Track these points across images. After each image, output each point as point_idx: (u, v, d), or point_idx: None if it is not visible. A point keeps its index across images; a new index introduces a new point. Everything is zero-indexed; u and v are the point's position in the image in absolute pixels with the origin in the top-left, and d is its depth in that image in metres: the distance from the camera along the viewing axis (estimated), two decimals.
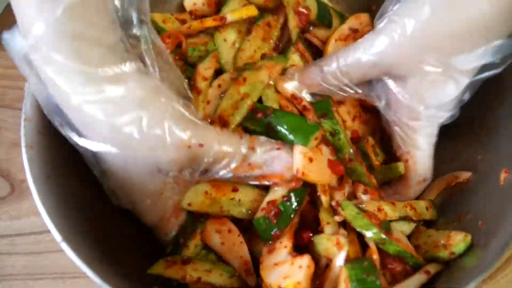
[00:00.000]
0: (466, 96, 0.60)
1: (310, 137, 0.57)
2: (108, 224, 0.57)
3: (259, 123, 0.61)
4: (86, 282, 0.68)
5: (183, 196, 0.59)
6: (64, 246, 0.48)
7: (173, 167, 0.53)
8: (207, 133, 0.54)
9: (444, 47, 0.56)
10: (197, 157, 0.53)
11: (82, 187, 0.56)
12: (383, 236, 0.54)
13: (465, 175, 0.64)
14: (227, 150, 0.55)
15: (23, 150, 0.52)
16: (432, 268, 0.56)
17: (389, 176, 0.66)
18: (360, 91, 0.64)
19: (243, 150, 0.55)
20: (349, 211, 0.57)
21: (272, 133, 0.59)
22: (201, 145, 0.53)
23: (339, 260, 0.54)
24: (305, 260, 0.52)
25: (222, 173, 0.56)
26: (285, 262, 0.54)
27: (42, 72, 0.48)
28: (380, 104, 0.65)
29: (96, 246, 0.52)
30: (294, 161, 0.56)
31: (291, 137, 0.58)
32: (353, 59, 0.61)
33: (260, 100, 0.64)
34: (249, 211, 0.59)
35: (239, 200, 0.59)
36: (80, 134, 0.51)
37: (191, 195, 0.58)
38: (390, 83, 0.62)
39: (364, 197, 0.63)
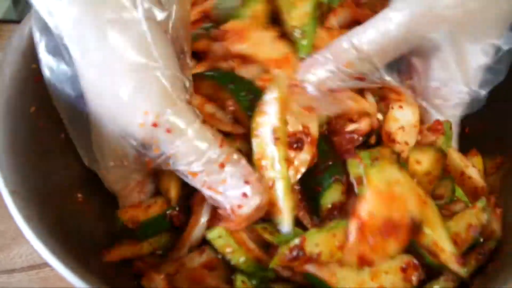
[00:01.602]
0: (500, 74, 0.59)
1: None
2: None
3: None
4: None
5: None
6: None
7: (135, 136, 0.50)
8: (182, 119, 0.49)
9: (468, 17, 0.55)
10: (161, 141, 0.49)
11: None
12: None
13: None
14: (197, 147, 0.49)
15: None
16: None
17: None
18: (383, 75, 0.58)
19: (213, 156, 0.49)
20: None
21: None
22: (168, 130, 0.48)
23: None
24: None
25: (180, 168, 0.51)
26: None
27: None
28: (405, 89, 0.61)
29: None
30: None
31: None
32: (371, 36, 0.55)
33: None
34: None
35: None
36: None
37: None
38: (415, 59, 0.60)
39: None
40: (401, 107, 0.60)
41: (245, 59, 0.54)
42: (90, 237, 0.55)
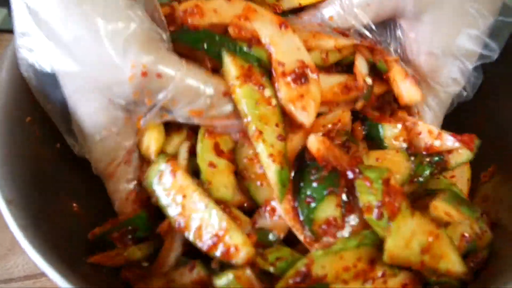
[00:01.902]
0: (493, 51, 0.58)
1: None
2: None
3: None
4: None
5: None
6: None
7: (125, 94, 0.50)
8: (168, 63, 0.50)
9: None
10: (153, 90, 0.50)
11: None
12: None
13: None
14: (191, 85, 0.50)
15: None
16: None
17: None
18: (370, 35, 0.60)
19: (210, 91, 0.51)
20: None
21: None
22: (159, 75, 0.49)
23: None
24: None
25: (181, 113, 0.51)
26: None
27: None
28: (394, 53, 0.62)
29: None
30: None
31: None
32: None
33: None
34: None
35: None
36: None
37: None
38: (404, 24, 0.59)
39: None
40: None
41: (215, 26, 0.55)
42: (85, 246, 0.55)
